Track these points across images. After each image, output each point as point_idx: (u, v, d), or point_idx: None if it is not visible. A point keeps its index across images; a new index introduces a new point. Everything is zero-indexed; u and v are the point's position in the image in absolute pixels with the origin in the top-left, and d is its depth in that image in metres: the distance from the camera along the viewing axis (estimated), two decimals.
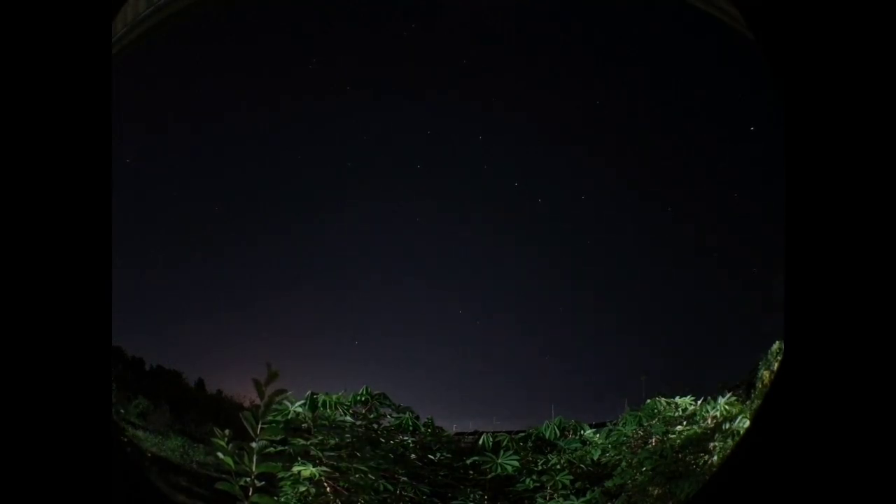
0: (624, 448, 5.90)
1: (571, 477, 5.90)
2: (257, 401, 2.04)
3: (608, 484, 5.64)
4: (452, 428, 7.38)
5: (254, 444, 2.05)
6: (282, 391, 2.11)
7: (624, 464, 5.71)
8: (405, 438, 6.31)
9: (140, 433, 8.26)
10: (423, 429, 6.45)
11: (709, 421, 5.69)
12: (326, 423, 5.74)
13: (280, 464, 5.37)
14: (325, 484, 5.33)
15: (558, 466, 6.09)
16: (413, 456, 6.17)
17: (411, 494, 5.58)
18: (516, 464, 6.07)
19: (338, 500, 5.30)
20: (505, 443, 6.44)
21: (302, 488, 5.26)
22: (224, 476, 2.18)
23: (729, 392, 6.02)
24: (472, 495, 6.06)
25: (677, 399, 6.15)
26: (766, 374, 6.37)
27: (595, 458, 6.07)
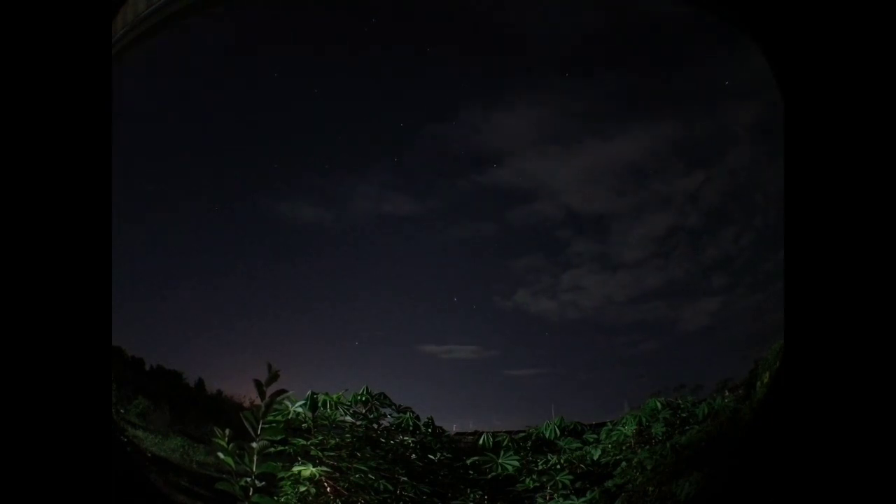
0: (624, 448, 5.91)
1: (571, 477, 5.90)
2: (258, 401, 2.04)
3: (608, 484, 5.65)
4: (452, 428, 7.37)
5: (254, 444, 2.05)
6: (282, 391, 2.11)
7: (624, 464, 5.72)
8: (405, 438, 6.32)
9: (140, 433, 8.26)
10: (423, 429, 6.45)
11: (709, 421, 5.70)
12: (326, 423, 5.75)
13: (280, 464, 5.39)
14: (325, 484, 5.33)
15: (558, 466, 6.10)
16: (413, 456, 6.18)
17: (411, 494, 5.58)
18: (517, 464, 6.08)
19: (338, 500, 5.31)
20: (505, 443, 6.45)
21: (302, 488, 5.27)
22: (224, 476, 2.18)
23: (729, 392, 6.02)
24: (472, 495, 6.07)
25: (677, 399, 6.16)
26: (765, 375, 6.38)
27: (595, 458, 6.08)
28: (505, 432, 6.77)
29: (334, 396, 6.03)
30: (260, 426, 2.05)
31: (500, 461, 6.12)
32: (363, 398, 6.20)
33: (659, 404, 6.13)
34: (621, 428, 6.17)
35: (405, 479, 5.67)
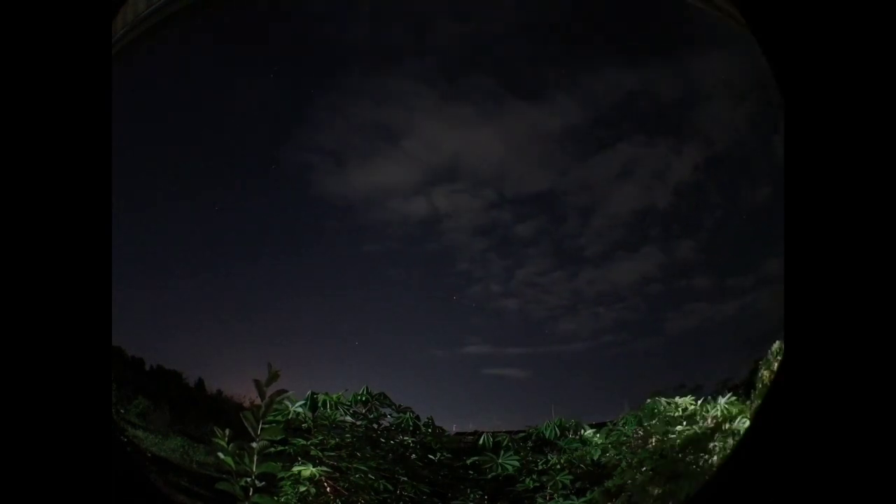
0: (624, 448, 5.91)
1: (571, 477, 5.91)
2: (258, 401, 2.04)
3: (608, 484, 5.65)
4: (452, 428, 7.38)
5: (254, 444, 2.05)
6: (282, 391, 2.11)
7: (624, 464, 5.72)
8: (405, 438, 6.32)
9: (140, 433, 8.25)
10: (423, 429, 6.46)
11: (709, 421, 5.69)
12: (327, 423, 5.75)
13: (280, 464, 5.39)
14: (325, 484, 5.33)
15: (558, 466, 6.10)
16: (413, 456, 6.18)
17: (411, 494, 5.58)
18: (517, 463, 6.08)
19: (338, 500, 5.31)
20: (505, 443, 6.45)
21: (302, 488, 5.27)
22: (224, 476, 2.18)
23: (729, 392, 6.03)
24: (472, 495, 6.07)
25: (677, 399, 6.16)
26: (766, 374, 6.38)
27: (595, 458, 6.08)
28: (505, 432, 6.77)
29: (334, 396, 6.03)
30: (260, 426, 2.05)
31: (500, 461, 6.12)
32: (363, 398, 6.20)
33: (659, 404, 6.13)
34: (621, 428, 6.17)
35: (405, 479, 5.67)
